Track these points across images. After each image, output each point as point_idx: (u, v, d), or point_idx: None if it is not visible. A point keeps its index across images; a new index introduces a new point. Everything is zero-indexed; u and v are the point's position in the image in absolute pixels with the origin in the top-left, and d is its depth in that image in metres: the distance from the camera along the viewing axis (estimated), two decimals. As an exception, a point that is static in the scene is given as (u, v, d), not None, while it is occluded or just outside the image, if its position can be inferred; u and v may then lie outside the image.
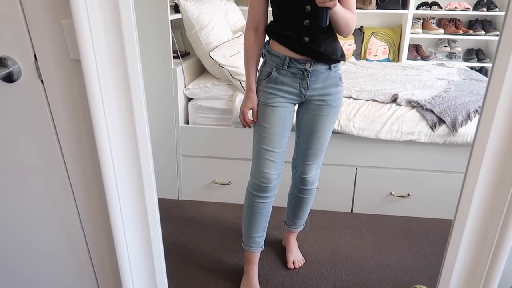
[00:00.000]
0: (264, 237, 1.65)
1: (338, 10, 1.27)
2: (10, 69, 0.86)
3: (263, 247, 1.67)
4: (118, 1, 0.77)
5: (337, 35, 1.42)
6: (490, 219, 0.87)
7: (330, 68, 1.44)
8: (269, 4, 1.42)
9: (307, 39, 1.35)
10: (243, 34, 2.50)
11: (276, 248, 1.94)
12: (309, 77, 1.42)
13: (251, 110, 1.49)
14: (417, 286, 1.01)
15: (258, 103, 1.49)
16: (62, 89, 0.87)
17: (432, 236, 2.05)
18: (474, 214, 0.88)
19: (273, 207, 1.60)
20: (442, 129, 1.99)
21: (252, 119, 1.50)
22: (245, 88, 1.51)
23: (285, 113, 1.48)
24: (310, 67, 1.40)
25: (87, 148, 0.92)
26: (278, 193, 1.59)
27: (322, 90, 1.45)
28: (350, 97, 2.16)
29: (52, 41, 0.84)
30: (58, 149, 0.94)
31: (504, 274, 0.92)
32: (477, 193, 0.86)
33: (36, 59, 0.86)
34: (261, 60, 1.52)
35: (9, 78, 0.88)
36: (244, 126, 1.54)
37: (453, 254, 0.91)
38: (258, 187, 1.51)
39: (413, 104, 2.06)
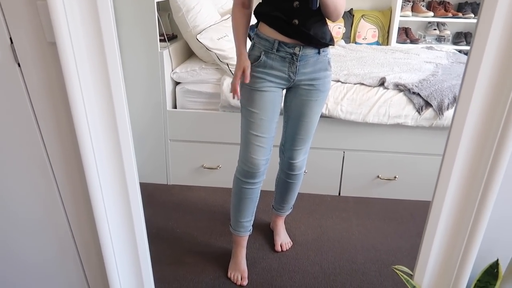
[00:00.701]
0: (252, 221, 1.66)
1: None
2: (-15, 52, 0.85)
3: (251, 231, 1.68)
4: (94, -18, 0.75)
5: (326, 19, 1.41)
6: (467, 200, 0.89)
7: (319, 52, 1.42)
8: None
9: (296, 21, 1.34)
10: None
11: (264, 232, 1.96)
12: (298, 61, 1.41)
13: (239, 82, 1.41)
14: (396, 266, 1.03)
15: (246, 87, 1.45)
16: (40, 72, 0.86)
17: (418, 217, 2.09)
18: (451, 194, 0.90)
19: (261, 191, 1.61)
20: (428, 113, 2.01)
21: (239, 89, 1.42)
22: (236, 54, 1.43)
23: (274, 98, 1.46)
24: (299, 51, 1.39)
25: (66, 130, 0.91)
26: (266, 177, 1.60)
27: (311, 74, 1.44)
28: (338, 81, 2.15)
29: (28, 24, 0.82)
30: (37, 132, 0.93)
31: (479, 254, 0.94)
32: (455, 173, 0.87)
33: (12, 42, 0.84)
34: (250, 43, 1.50)
35: (-15, 62, 0.86)
36: (234, 96, 1.44)
37: (431, 233, 0.93)
38: (246, 173, 1.51)
39: (400, 88, 2.07)
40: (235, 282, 1.66)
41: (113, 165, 0.88)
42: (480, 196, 0.83)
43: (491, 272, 0.96)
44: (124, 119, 0.83)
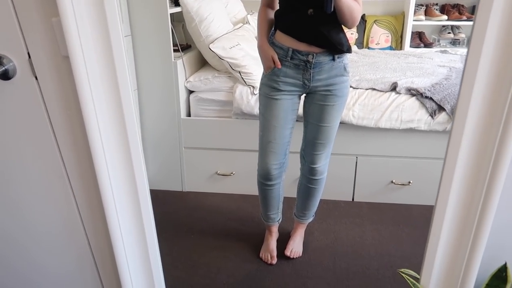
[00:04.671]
0: (279, 213, 1.83)
1: None
2: (5, 67, 0.90)
3: (280, 220, 1.85)
4: (104, -2, 0.80)
5: (343, 27, 1.42)
6: (470, 203, 0.89)
7: (334, 59, 1.44)
8: None
9: (311, 11, 1.35)
10: (243, 26, 2.52)
11: (281, 239, 1.94)
12: (312, 69, 1.44)
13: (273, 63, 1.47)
14: (402, 270, 1.03)
15: (262, 95, 1.53)
16: (56, 84, 0.91)
17: (433, 223, 2.06)
18: (454, 198, 0.91)
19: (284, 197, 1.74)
20: (442, 117, 1.99)
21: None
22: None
23: (288, 105, 1.51)
24: (313, 58, 1.42)
25: (81, 140, 0.96)
26: (288, 184, 1.67)
27: (326, 80, 1.47)
28: (350, 86, 2.16)
29: (43, 39, 0.87)
30: (54, 142, 0.98)
31: (487, 259, 0.93)
32: (456, 177, 0.88)
33: (29, 56, 0.90)
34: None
35: (6, 76, 0.91)
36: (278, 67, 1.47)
37: (436, 236, 0.93)
38: (263, 176, 1.64)
39: (412, 92, 2.06)
40: (266, 261, 1.81)
41: (124, 169, 0.93)
42: (482, 200, 0.83)
43: (500, 276, 0.95)
44: (134, 126, 0.87)
